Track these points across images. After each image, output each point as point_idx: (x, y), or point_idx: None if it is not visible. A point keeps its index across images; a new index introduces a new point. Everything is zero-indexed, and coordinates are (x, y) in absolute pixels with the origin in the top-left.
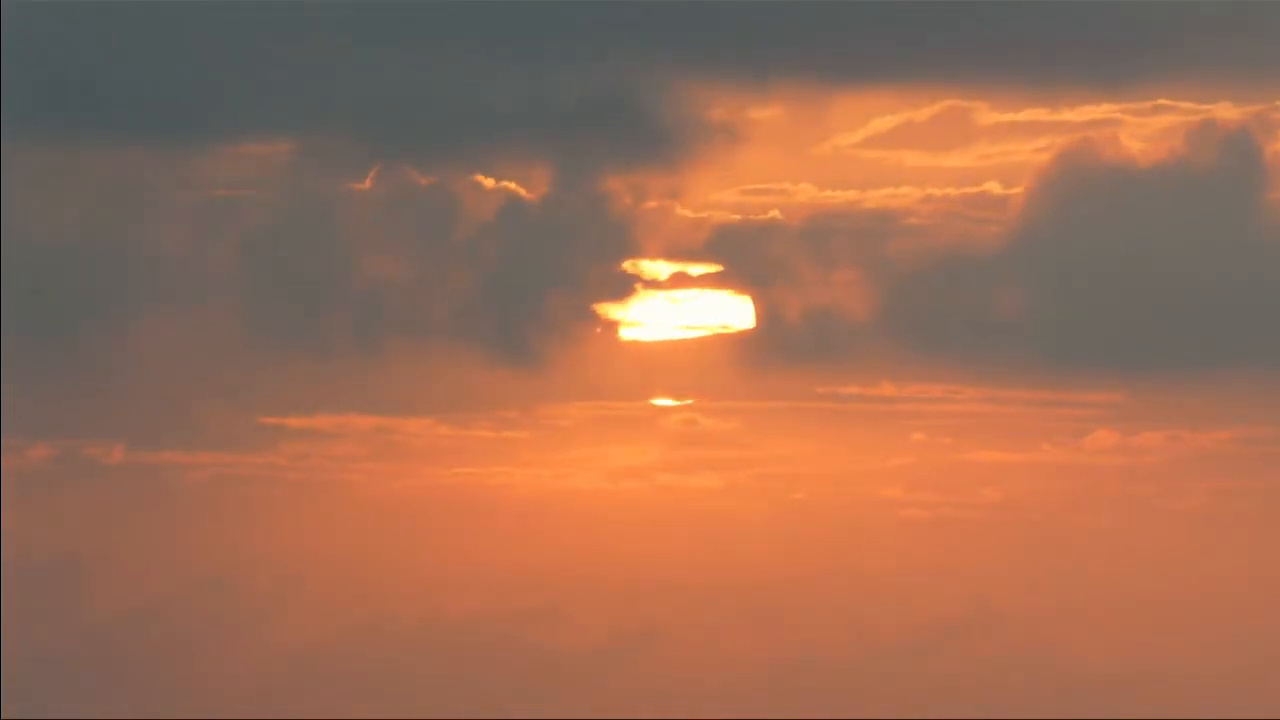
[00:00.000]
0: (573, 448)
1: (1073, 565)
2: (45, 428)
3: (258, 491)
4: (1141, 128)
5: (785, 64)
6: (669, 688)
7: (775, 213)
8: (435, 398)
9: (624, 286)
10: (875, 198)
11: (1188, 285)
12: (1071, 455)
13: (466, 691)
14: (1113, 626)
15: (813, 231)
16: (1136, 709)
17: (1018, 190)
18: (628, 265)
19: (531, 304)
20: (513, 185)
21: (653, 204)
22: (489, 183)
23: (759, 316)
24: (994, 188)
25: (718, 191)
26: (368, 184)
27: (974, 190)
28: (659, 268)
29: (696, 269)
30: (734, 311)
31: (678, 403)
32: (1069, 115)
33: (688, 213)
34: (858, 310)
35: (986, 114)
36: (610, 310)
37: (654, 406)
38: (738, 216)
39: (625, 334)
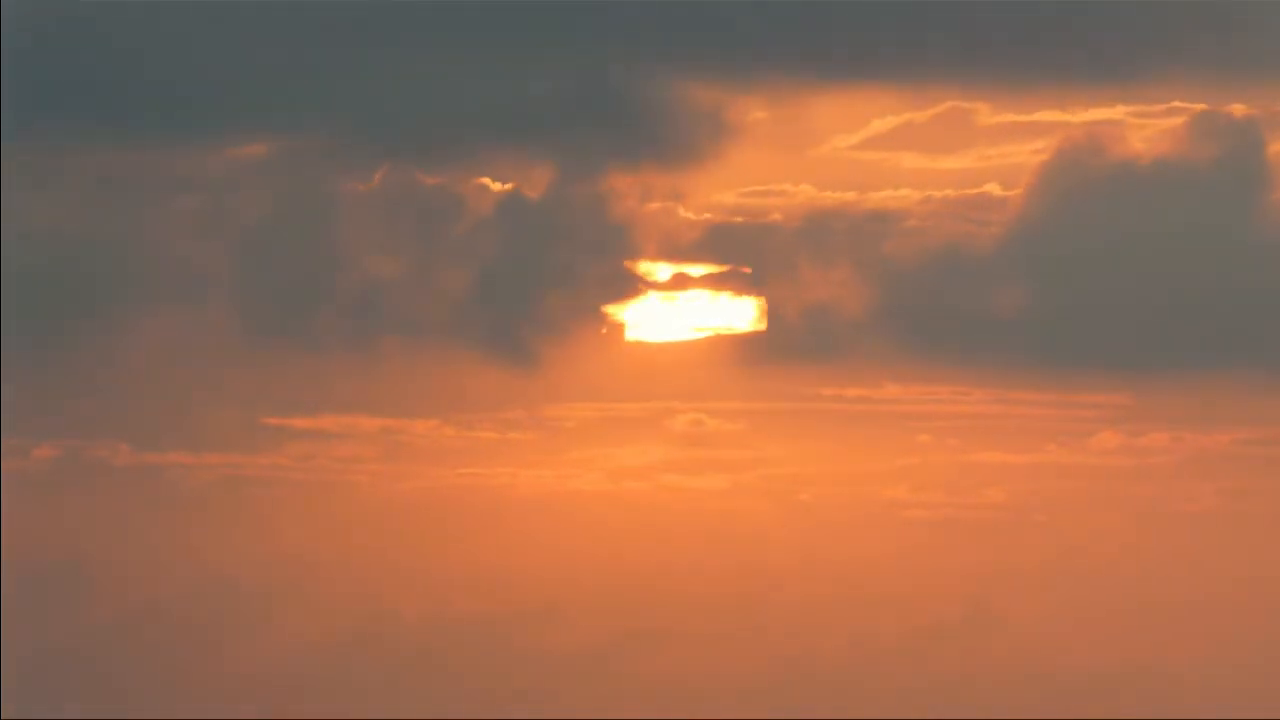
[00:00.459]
0: (577, 449)
1: (1078, 566)
2: (50, 428)
3: (263, 492)
4: (1144, 128)
5: (787, 64)
6: (673, 688)
7: (779, 214)
8: (440, 399)
9: (629, 288)
10: (878, 199)
11: (1193, 286)
12: (1077, 457)
13: (469, 691)
14: (1118, 627)
15: (817, 232)
16: (1141, 709)
17: (1021, 191)
18: (633, 266)
19: (536, 305)
20: (517, 186)
21: (657, 205)
22: (493, 183)
23: (764, 318)
24: (997, 189)
25: (722, 192)
26: (373, 184)
27: (977, 191)
28: (664, 269)
29: (702, 270)
30: (739, 313)
31: (682, 404)
32: (1070, 116)
33: (692, 214)
34: (863, 311)
35: (988, 115)
36: (615, 311)
37: (659, 407)
38: (742, 218)
39: (630, 335)
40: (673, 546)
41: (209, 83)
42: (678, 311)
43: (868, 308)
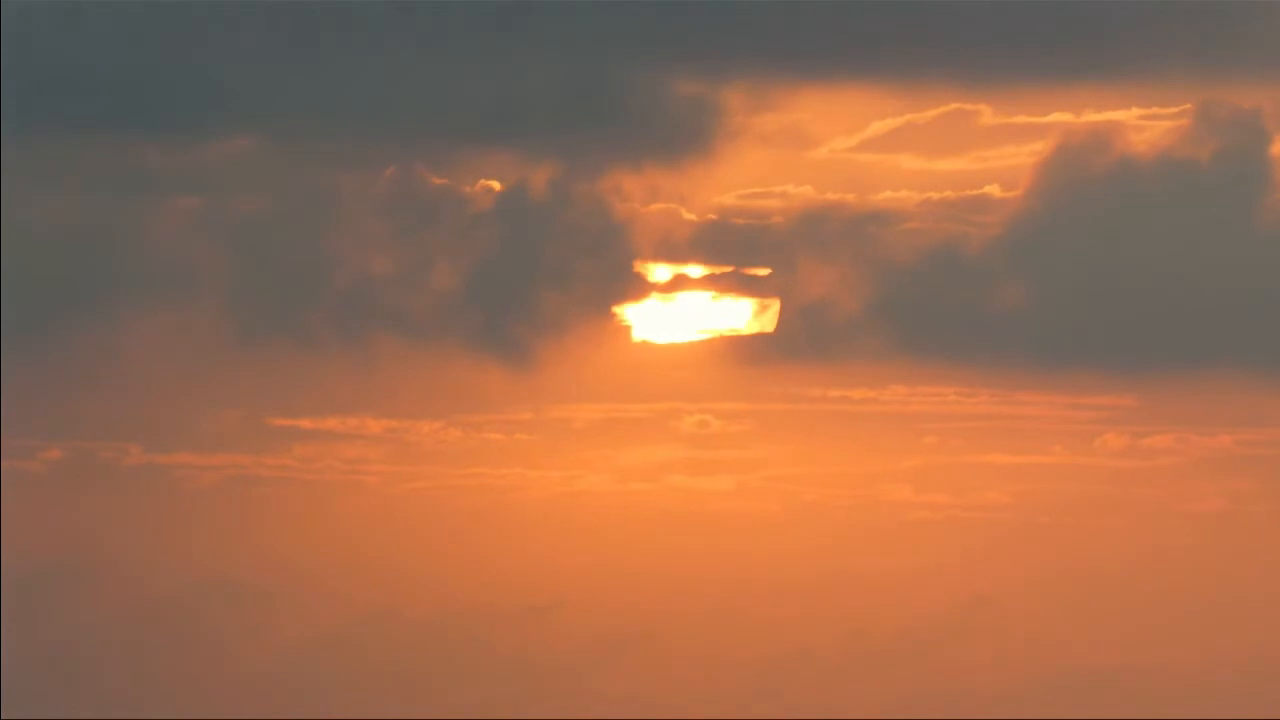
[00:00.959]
0: (583, 450)
1: (1083, 567)
2: (57, 429)
3: (270, 492)
4: (1146, 128)
5: (787, 65)
6: (678, 687)
7: (785, 215)
8: (446, 400)
9: (636, 289)
10: (881, 200)
11: (1197, 287)
12: (1082, 458)
13: (475, 691)
14: (1123, 628)
15: (822, 233)
16: (1145, 710)
17: (1025, 192)
18: (639, 267)
19: (542, 306)
20: (521, 186)
21: (662, 206)
22: (498, 184)
23: (770, 319)
24: (1000, 189)
25: (728, 193)
26: (378, 185)
27: (980, 192)
28: (670, 270)
29: (708, 271)
30: (745, 314)
31: (689, 405)
32: (1072, 116)
33: (697, 215)
34: (869, 313)
35: (989, 116)
36: (622, 313)
37: (665, 409)
38: (748, 219)
39: (636, 336)
40: (679, 547)
41: (212, 82)
42: (684, 313)
43: (874, 309)
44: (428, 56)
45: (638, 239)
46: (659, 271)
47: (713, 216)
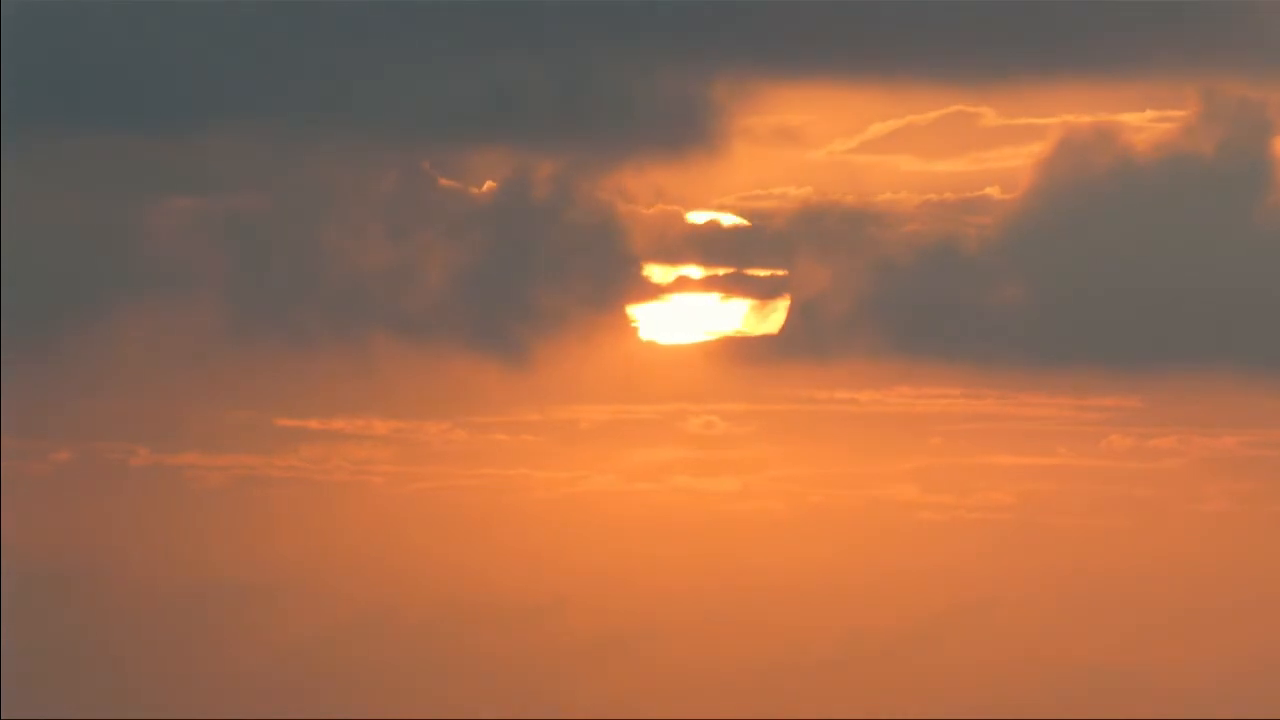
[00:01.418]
0: (590, 451)
1: (1088, 568)
2: (64, 431)
3: (278, 493)
4: (1148, 129)
5: (790, 66)
6: (683, 686)
7: (789, 216)
8: (453, 401)
9: (642, 290)
10: (883, 201)
11: (1203, 289)
12: (1087, 459)
13: (477, 691)
14: (1127, 628)
15: (826, 235)
16: (1149, 710)
17: (1027, 193)
18: (645, 269)
19: (547, 307)
20: (527, 187)
21: (667, 207)
22: (504, 185)
23: (777, 321)
24: (1002, 191)
25: (733, 194)
26: (384, 187)
27: (982, 194)
28: (675, 271)
29: (712, 273)
30: (751, 316)
31: (694, 406)
32: (1073, 117)
33: (704, 216)
34: (875, 314)
35: (991, 118)
36: (628, 314)
37: (671, 410)
38: (754, 220)
39: (643, 338)
40: (684, 547)
41: (214, 81)
42: (690, 314)
43: (880, 310)
44: (428, 55)
45: (642, 240)
46: (663, 273)
47: (715, 218)
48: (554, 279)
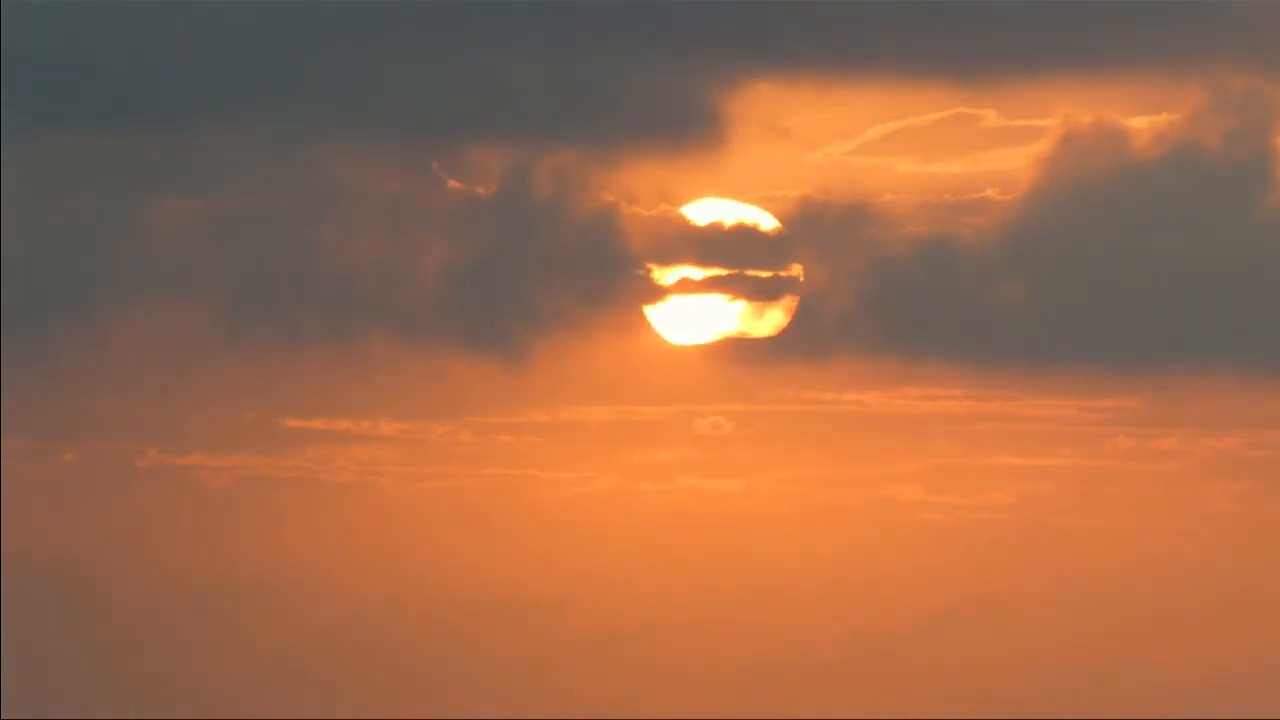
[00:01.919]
0: (596, 451)
1: (1092, 569)
2: (71, 431)
3: (285, 493)
4: (1150, 128)
5: (793, 67)
6: (688, 688)
7: (793, 217)
8: (459, 401)
9: (648, 291)
10: (884, 202)
11: (1206, 288)
12: (1091, 460)
13: (483, 690)
14: (1132, 629)
15: (831, 237)
16: (1154, 710)
17: (1029, 194)
18: (650, 270)
19: (554, 308)
20: (530, 188)
21: (673, 208)
22: (508, 186)
23: (782, 322)
24: (1004, 192)
25: (738, 195)
26: (389, 188)
27: (983, 195)
28: (679, 273)
29: (717, 274)
30: (756, 317)
31: (701, 407)
32: (1075, 117)
33: (707, 218)
34: (879, 315)
35: (991, 119)
36: (634, 315)
37: (677, 411)
38: (760, 221)
39: (648, 339)
40: (690, 548)
41: (216, 81)
42: (695, 315)
43: (884, 311)
44: (428, 54)
45: (647, 242)
46: (668, 274)
47: (730, 219)
48: (560, 280)
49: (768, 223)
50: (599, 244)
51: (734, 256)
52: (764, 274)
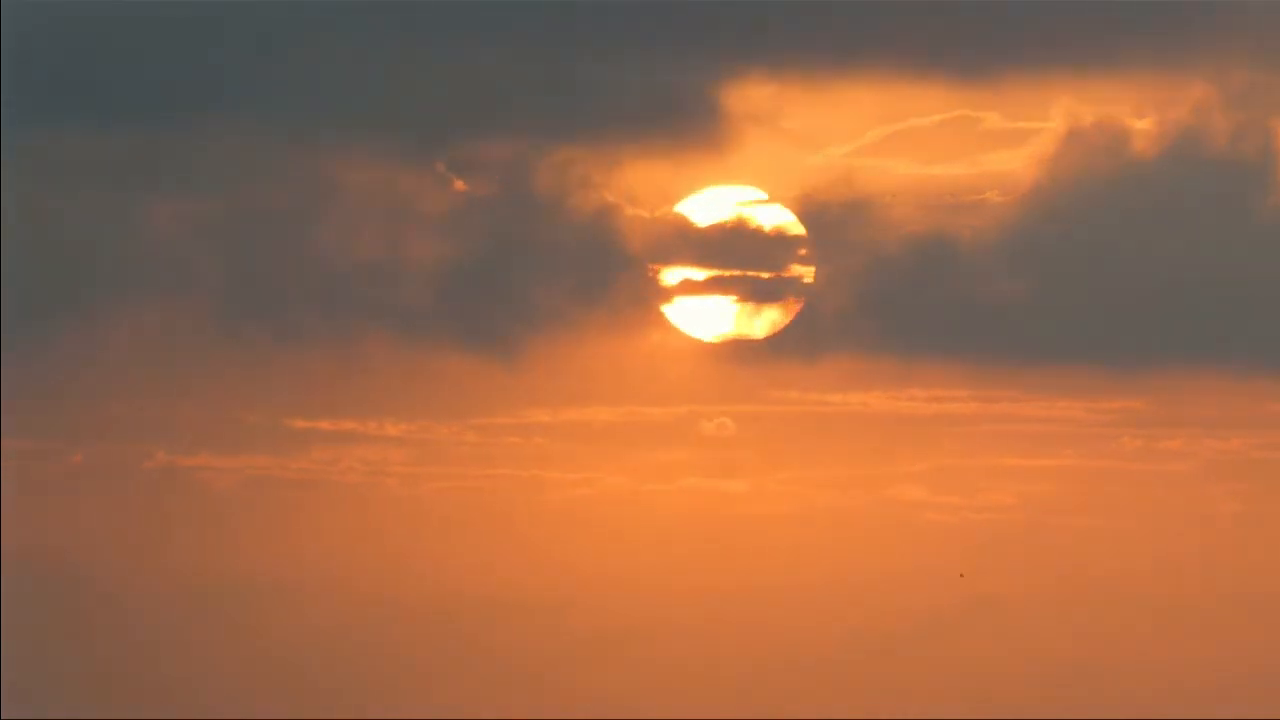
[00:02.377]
0: (601, 452)
1: (1097, 569)
2: (78, 432)
3: (292, 494)
4: (1153, 128)
5: (793, 69)
6: (692, 686)
7: (800, 217)
8: (465, 402)
9: (653, 292)
10: (886, 203)
11: (1211, 290)
12: (1096, 461)
13: (488, 690)
14: (1137, 629)
15: (836, 238)
16: (1158, 710)
17: (1033, 195)
18: (655, 272)
19: (560, 310)
20: (531, 191)
21: (676, 210)
22: (511, 188)
23: (788, 322)
24: (1008, 193)
25: (745, 199)
26: (394, 188)
27: (986, 197)
28: (685, 274)
29: (723, 275)
30: (762, 319)
31: (706, 407)
32: (1078, 117)
33: (711, 219)
34: (884, 317)
35: (995, 121)
36: (639, 316)
37: (682, 411)
38: (765, 221)
39: (654, 340)
40: (695, 548)
41: (217, 80)
42: (701, 317)
43: (890, 314)
44: (428, 53)
45: (652, 244)
46: (674, 276)
47: (734, 219)
48: (566, 281)
49: (776, 216)
50: (604, 245)
51: (739, 257)
52: (769, 275)
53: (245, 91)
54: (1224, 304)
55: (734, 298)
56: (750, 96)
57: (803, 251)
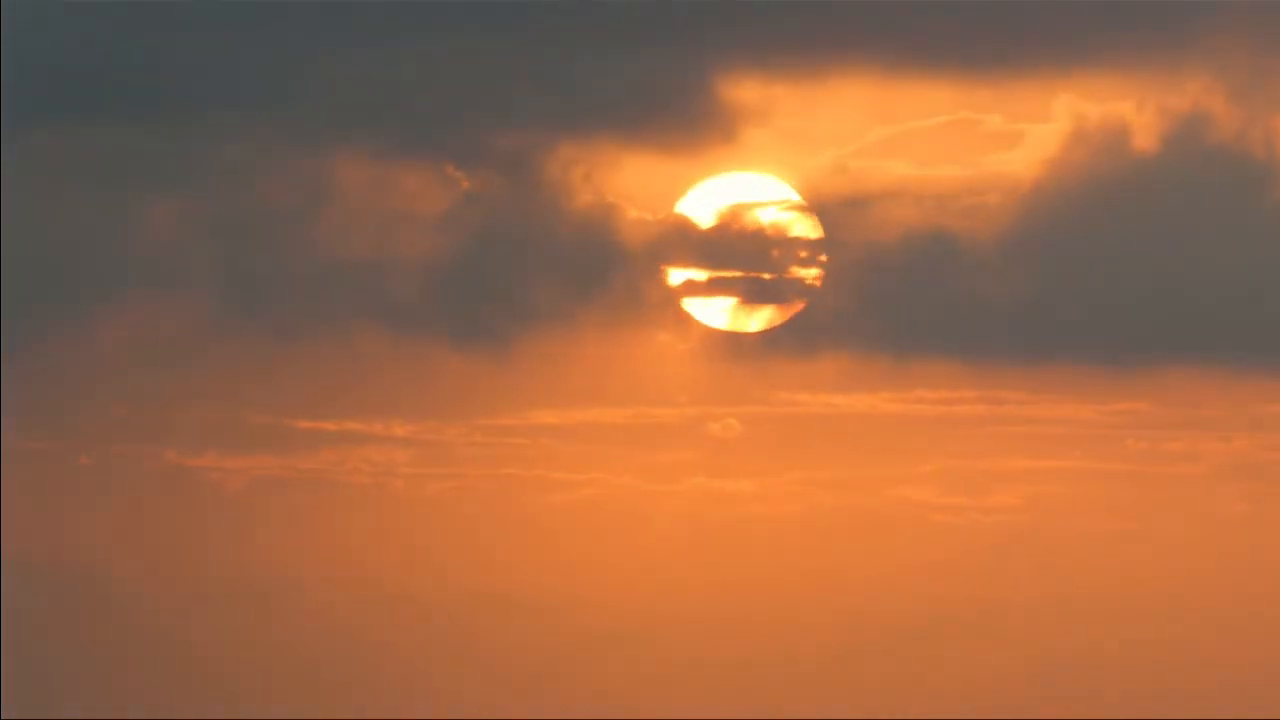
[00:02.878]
0: (608, 453)
1: (1103, 572)
2: (84, 432)
3: (298, 495)
4: (1156, 127)
5: (793, 70)
6: (696, 687)
7: (810, 218)
8: (471, 403)
9: (659, 292)
10: (887, 204)
11: (1218, 289)
12: (1102, 462)
13: (492, 690)
14: (1142, 631)
15: (838, 239)
16: (1161, 711)
17: (1036, 196)
18: (660, 272)
19: (566, 310)
20: (537, 190)
21: (678, 210)
22: (514, 188)
23: (795, 324)
24: (1010, 194)
25: (752, 195)
26: (396, 188)
27: (987, 198)
28: (691, 274)
29: (729, 275)
30: (768, 319)
31: (713, 408)
32: (1081, 116)
33: (720, 219)
34: (890, 318)
35: (997, 123)
36: (645, 316)
37: (690, 412)
38: (772, 221)
39: (660, 340)
40: (702, 548)
41: (216, 77)
42: (705, 316)
43: (896, 314)
44: (426, 50)
45: (655, 244)
46: (680, 276)
47: (737, 219)
48: (571, 281)
49: (782, 216)
50: (610, 245)
51: (745, 258)
52: (776, 276)
53: (246, 91)
54: (1233, 304)
55: (741, 298)
56: (751, 96)
57: (810, 252)
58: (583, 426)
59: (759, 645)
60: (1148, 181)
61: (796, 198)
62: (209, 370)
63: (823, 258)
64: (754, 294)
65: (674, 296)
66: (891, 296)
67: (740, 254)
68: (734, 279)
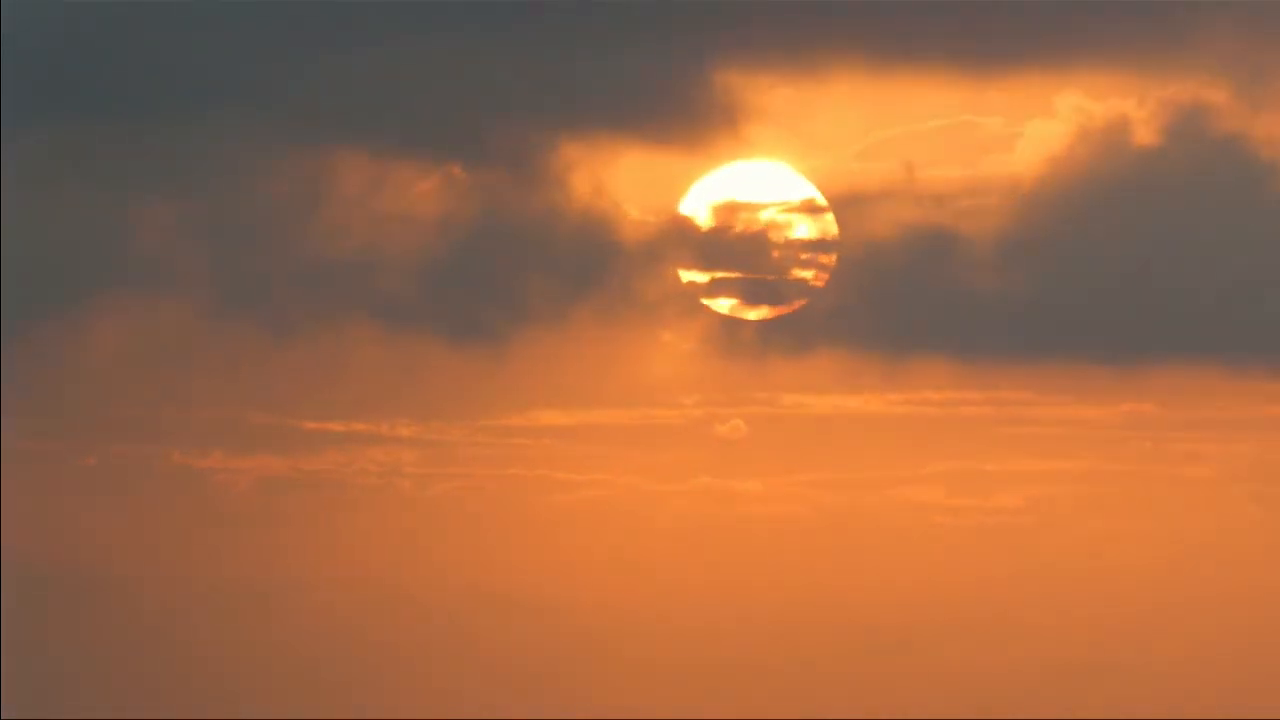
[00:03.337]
0: (613, 453)
1: (1110, 573)
2: (87, 433)
3: (304, 496)
4: (1159, 126)
5: (793, 70)
6: (699, 688)
7: (812, 217)
8: (477, 403)
9: (666, 293)
10: (888, 204)
11: (1225, 289)
12: (1110, 463)
13: (494, 691)
14: (1147, 631)
15: (852, 238)
16: (1163, 711)
17: (1037, 196)
18: (668, 273)
19: (571, 310)
20: (540, 190)
21: (680, 211)
22: (519, 184)
23: (801, 325)
24: (1012, 195)
25: (755, 190)
26: (398, 188)
27: (989, 199)
28: (695, 275)
29: (736, 277)
30: (776, 319)
31: (718, 409)
32: (1084, 114)
33: (720, 218)
34: (896, 319)
35: (1000, 124)
36: (651, 316)
37: (695, 413)
38: (777, 222)
39: (666, 341)
40: (708, 550)
41: (217, 75)
42: (714, 317)
43: (901, 314)
44: (424, 49)
45: (664, 244)
46: (686, 276)
47: (740, 219)
48: (577, 284)
49: (787, 216)
50: (614, 246)
51: (749, 258)
52: (781, 277)
53: (245, 90)
54: (1241, 303)
55: (747, 299)
56: (752, 96)
57: (817, 254)
58: (587, 427)
59: (762, 646)
60: (1150, 179)
61: (802, 189)
62: (212, 370)
63: (832, 260)
64: (762, 296)
65: (679, 297)
66: (899, 300)
67: (745, 255)
68: (741, 281)
